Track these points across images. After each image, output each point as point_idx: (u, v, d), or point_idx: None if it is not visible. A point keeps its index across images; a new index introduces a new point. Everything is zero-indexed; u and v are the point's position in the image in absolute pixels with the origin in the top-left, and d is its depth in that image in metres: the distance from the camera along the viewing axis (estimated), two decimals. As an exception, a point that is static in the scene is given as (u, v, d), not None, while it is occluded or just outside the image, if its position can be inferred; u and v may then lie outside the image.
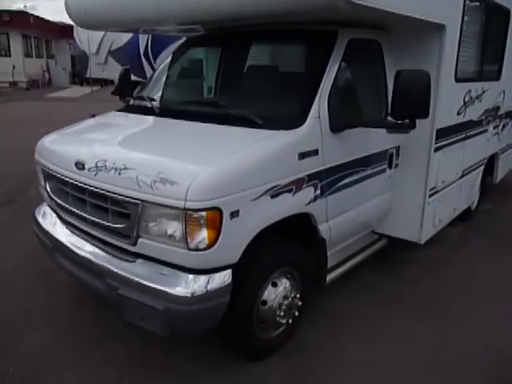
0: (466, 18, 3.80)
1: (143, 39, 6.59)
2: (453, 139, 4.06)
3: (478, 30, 4.27)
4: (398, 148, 3.78)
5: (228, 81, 3.89)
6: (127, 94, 3.91)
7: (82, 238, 2.94)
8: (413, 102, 2.82)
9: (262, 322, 2.86)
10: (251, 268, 2.67)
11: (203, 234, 2.35)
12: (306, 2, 2.46)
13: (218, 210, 2.35)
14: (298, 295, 2.98)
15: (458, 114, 4.07)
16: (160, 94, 3.81)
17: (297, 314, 2.98)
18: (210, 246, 2.38)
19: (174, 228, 2.39)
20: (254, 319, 2.77)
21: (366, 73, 3.53)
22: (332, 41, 3.14)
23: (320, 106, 2.93)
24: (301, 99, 2.98)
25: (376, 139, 3.46)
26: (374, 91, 3.54)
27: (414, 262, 4.42)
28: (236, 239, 2.48)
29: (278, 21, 3.17)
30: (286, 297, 2.88)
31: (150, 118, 3.29)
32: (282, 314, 2.86)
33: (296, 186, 2.78)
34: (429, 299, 3.80)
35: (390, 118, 2.96)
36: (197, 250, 2.38)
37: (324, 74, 3.01)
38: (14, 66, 24.27)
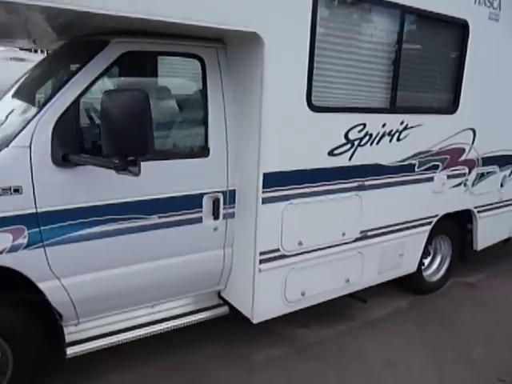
0: (328, 27, 2.81)
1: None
2: (319, 188, 3.01)
3: (385, 46, 3.16)
4: (230, 193, 2.92)
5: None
6: None
7: None
8: (121, 133, 2.05)
9: None
10: None
11: None
12: None
13: None
14: None
15: (332, 154, 3.02)
16: None
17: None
18: None
19: None
20: None
21: (168, 95, 2.78)
22: (93, 53, 2.50)
23: (35, 132, 2.29)
24: (13, 124, 2.40)
25: (174, 177, 2.69)
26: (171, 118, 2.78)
27: (281, 343, 3.38)
28: None
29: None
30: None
31: None
32: None
33: (-32, 231, 2.19)
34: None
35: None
36: None
37: (57, 93, 2.38)
38: None
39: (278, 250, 2.92)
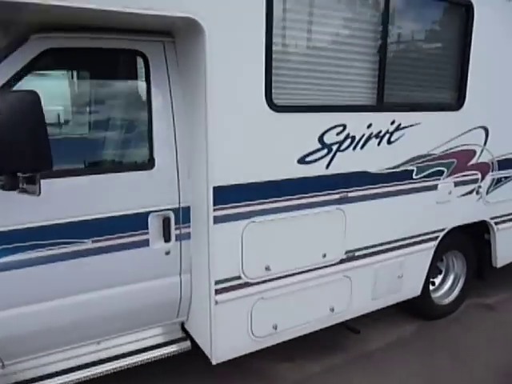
0: (291, 9, 2.35)
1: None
2: (289, 202, 2.54)
3: (368, 30, 2.66)
4: (184, 210, 2.49)
5: None
6: None
7: None
8: (5, 145, 1.66)
9: None
10: None
11: None
12: None
13: None
14: None
15: (304, 162, 2.54)
16: None
17: None
18: None
19: None
20: None
21: (103, 98, 2.39)
22: (8, 52, 2.13)
23: None
24: None
25: (110, 194, 2.29)
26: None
27: (257, 383, 2.90)
28: None
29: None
30: None
31: None
32: None
33: None
34: None
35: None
36: None
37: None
38: None
39: (238, 277, 2.46)
